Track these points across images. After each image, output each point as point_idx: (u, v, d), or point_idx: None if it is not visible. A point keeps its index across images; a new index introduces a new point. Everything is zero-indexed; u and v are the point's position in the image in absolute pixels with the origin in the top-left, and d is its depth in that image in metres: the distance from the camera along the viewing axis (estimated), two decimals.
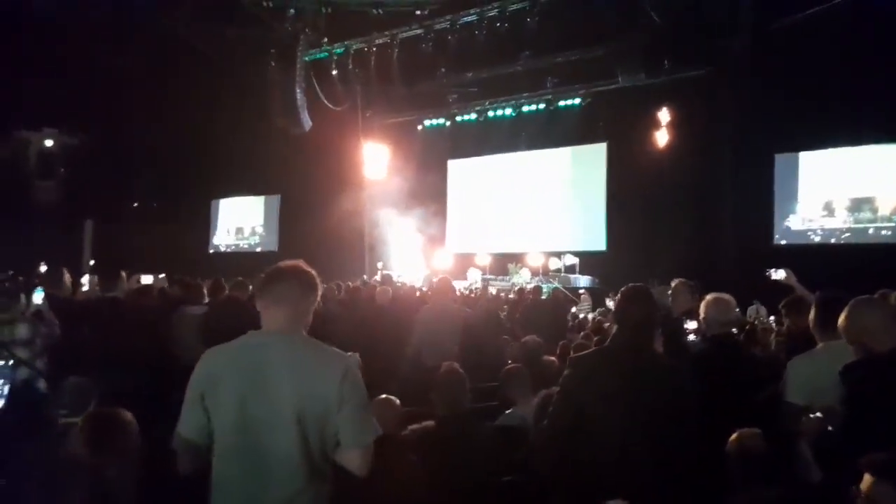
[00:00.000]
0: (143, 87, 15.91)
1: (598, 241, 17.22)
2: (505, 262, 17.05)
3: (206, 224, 24.24)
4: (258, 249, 22.72)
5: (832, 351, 2.64)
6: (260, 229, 23.17)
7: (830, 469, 2.15)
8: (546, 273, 16.15)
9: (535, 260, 16.46)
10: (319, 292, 2.14)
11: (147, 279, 8.12)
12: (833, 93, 12.12)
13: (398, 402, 3.02)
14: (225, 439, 1.95)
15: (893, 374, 2.17)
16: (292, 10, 15.33)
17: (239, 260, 20.73)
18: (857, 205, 13.65)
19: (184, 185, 20.97)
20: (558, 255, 16.62)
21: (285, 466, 1.91)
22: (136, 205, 21.64)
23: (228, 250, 23.66)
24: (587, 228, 17.46)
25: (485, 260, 17.35)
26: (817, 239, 14.02)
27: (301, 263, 2.11)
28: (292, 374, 1.95)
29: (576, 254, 16.63)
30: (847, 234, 13.71)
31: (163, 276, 9.90)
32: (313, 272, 2.11)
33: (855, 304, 2.34)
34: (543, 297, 9.17)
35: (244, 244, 23.52)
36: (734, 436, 2.47)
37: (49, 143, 19.71)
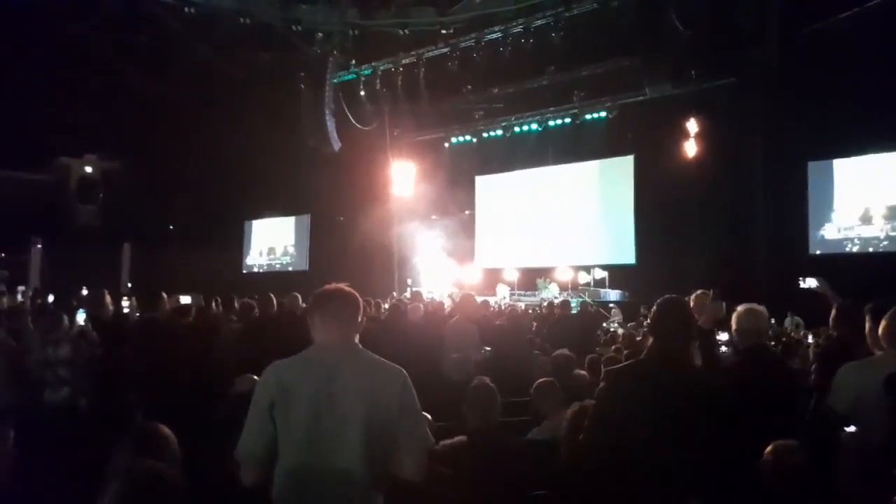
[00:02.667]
0: (178, 112, 16.42)
1: (627, 254, 17.05)
2: (533, 277, 17.00)
3: (239, 245, 24.71)
4: (290, 269, 23.05)
5: (887, 360, 2.60)
6: (291, 249, 23.52)
7: (874, 481, 2.11)
8: (575, 287, 16.05)
9: (564, 274, 16.37)
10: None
11: (185, 300, 8.34)
12: (865, 97, 11.87)
13: (429, 417, 3.06)
14: (292, 452, 2.02)
15: None
16: (320, 34, 15.69)
17: (271, 279, 21.06)
18: (895, 212, 13.29)
19: (218, 207, 21.46)
20: (587, 269, 16.52)
21: (350, 478, 1.99)
22: (172, 227, 22.20)
23: (261, 270, 24.06)
24: (616, 242, 17.31)
25: (513, 275, 17.32)
26: (855, 248, 13.65)
27: (345, 286, 2.27)
28: (360, 384, 2.06)
29: (605, 267, 16.49)
30: (885, 243, 13.34)
31: (200, 296, 10.14)
32: (355, 293, 2.26)
33: None
34: (573, 311, 9.15)
35: (276, 264, 23.89)
36: (770, 448, 2.44)
37: (89, 168, 20.44)
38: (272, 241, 24.23)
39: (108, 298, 5.54)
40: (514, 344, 6.55)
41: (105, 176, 20.56)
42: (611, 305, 13.93)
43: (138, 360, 4.74)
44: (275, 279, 21.09)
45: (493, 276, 17.52)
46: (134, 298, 5.89)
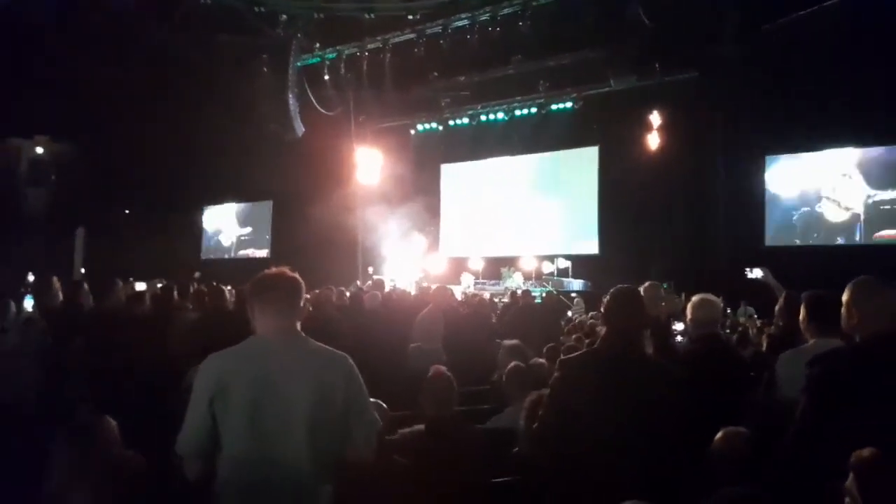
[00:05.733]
0: (134, 94, 15.90)
1: (590, 244, 17.28)
2: (498, 266, 17.08)
3: (198, 231, 24.19)
4: (250, 256, 22.70)
5: (819, 348, 2.67)
6: (252, 235, 23.16)
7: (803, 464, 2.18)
8: (539, 277, 16.19)
9: (529, 264, 16.50)
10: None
11: (141, 286, 8.12)
12: (820, 95, 12.23)
13: (385, 406, 3.05)
14: (235, 444, 1.98)
15: (863, 363, 2.18)
16: (284, 16, 15.36)
17: (231, 266, 20.69)
18: (841, 206, 13.76)
19: (176, 192, 20.94)
20: (551, 258, 16.67)
21: (296, 466, 1.97)
22: (127, 212, 21.59)
23: (221, 257, 23.62)
24: (580, 232, 17.52)
25: (478, 264, 17.37)
26: (811, 241, 14.11)
27: (287, 270, 2.17)
28: (303, 374, 2.02)
29: (568, 257, 16.68)
30: (837, 236, 13.83)
31: (159, 283, 9.91)
32: (299, 278, 2.16)
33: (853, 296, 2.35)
34: (536, 300, 9.22)
35: (236, 251, 23.49)
36: (719, 434, 2.50)
37: (40, 150, 19.67)
38: (232, 227, 23.81)
39: (57, 285, 5.35)
40: (476, 333, 6.59)
41: (57, 158, 19.82)
42: (573, 295, 14.10)
43: (89, 350, 4.59)
44: (235, 266, 20.74)
45: (457, 265, 17.55)
46: (85, 285, 5.68)
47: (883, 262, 11.84)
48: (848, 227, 13.70)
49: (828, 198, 13.93)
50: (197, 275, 10.23)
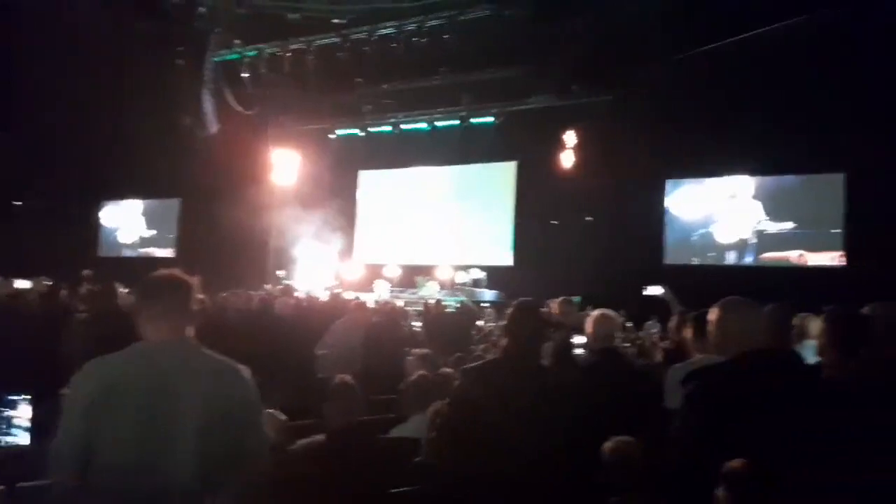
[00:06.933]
0: (34, 79, 14.81)
1: (505, 256, 17.66)
2: (414, 275, 17.10)
3: (96, 226, 22.75)
4: (153, 255, 21.56)
5: (703, 363, 2.86)
6: (156, 234, 22.03)
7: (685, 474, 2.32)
8: (453, 286, 16.35)
9: (444, 273, 16.63)
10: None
11: (25, 284, 7.53)
12: (722, 124, 13.14)
13: (283, 416, 2.99)
14: (116, 454, 1.87)
15: (730, 378, 2.36)
16: (202, 9, 14.81)
17: (131, 265, 19.57)
18: (732, 230, 14.83)
19: (76, 184, 19.59)
20: (466, 268, 16.88)
21: (183, 479, 1.88)
22: (20, 204, 20.00)
23: (120, 255, 22.31)
24: (495, 244, 17.86)
25: (394, 272, 17.33)
26: (708, 261, 15.06)
27: (178, 272, 2.08)
28: (194, 383, 1.93)
29: (483, 268, 16.95)
30: (729, 257, 14.87)
31: (46, 282, 9.22)
32: (191, 280, 2.07)
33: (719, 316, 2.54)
34: (450, 310, 9.32)
35: (139, 249, 22.27)
36: (609, 443, 2.61)
37: None
38: (135, 224, 22.54)
39: None
40: (388, 341, 6.58)
41: None
42: (485, 305, 14.33)
43: None
44: (136, 265, 19.63)
45: (373, 272, 17.43)
46: None
47: (770, 281, 12.90)
48: (739, 248, 14.77)
49: (721, 221, 14.97)
50: (85, 272, 9.59)
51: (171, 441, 1.88)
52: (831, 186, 13.66)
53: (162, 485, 1.87)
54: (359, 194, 20.22)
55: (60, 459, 1.89)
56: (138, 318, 2.02)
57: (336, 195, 18.37)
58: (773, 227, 14.39)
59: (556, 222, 15.82)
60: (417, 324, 8.79)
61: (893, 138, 11.38)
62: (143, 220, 22.40)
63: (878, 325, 2.51)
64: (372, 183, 20.32)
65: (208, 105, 15.76)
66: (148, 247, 22.06)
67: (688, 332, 3.16)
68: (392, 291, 16.23)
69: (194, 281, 2.09)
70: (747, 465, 1.93)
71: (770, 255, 14.35)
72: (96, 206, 22.69)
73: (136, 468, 1.87)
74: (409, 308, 11.49)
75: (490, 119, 17.46)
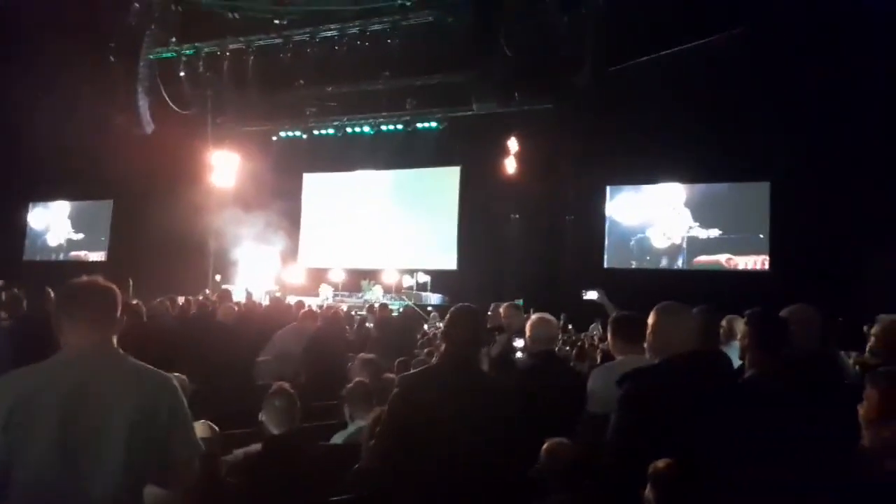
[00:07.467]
0: None
1: (449, 260, 17.75)
2: (359, 279, 16.98)
3: (21, 229, 21.58)
4: (83, 258, 20.62)
5: (626, 364, 2.96)
6: (87, 237, 21.07)
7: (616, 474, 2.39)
8: (399, 290, 16.32)
9: (390, 277, 16.57)
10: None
11: None
12: (656, 133, 13.63)
13: (216, 427, 2.92)
14: (36, 471, 1.79)
15: (663, 380, 2.46)
16: (137, 4, 14.30)
17: (59, 270, 18.64)
18: (665, 235, 15.42)
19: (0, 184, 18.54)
20: (411, 272, 16.88)
21: (109, 493, 1.81)
22: None
23: (47, 259, 21.23)
24: (439, 248, 17.93)
25: (338, 276, 17.16)
26: (644, 265, 15.58)
27: (100, 279, 2.02)
28: (119, 393, 1.87)
29: (428, 272, 16.99)
30: (663, 261, 15.43)
31: None
32: (114, 287, 2.02)
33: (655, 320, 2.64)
34: (394, 314, 9.27)
35: (67, 253, 21.25)
36: (545, 445, 2.66)
37: None
38: (63, 226, 21.50)
39: None
40: (330, 346, 6.49)
41: None
42: (430, 309, 14.36)
43: None
44: (64, 270, 18.71)
45: (317, 276, 17.20)
46: None
47: (701, 284, 13.46)
48: (672, 252, 15.35)
49: (656, 227, 15.52)
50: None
51: (95, 454, 1.82)
52: (757, 193, 14.37)
53: (87, 500, 1.80)
54: (303, 197, 19.93)
55: None
56: (59, 326, 1.94)
57: (279, 197, 18.03)
58: (704, 233, 15.04)
59: (498, 227, 16.02)
60: (369, 325, 8.72)
61: (817, 148, 12.11)
62: (72, 221, 21.41)
63: (793, 325, 2.67)
64: (316, 186, 20.07)
65: (143, 104, 15.22)
66: (78, 250, 21.11)
67: (609, 335, 3.28)
68: (336, 295, 16.07)
69: (116, 288, 2.03)
70: (672, 465, 2.01)
71: (702, 259, 14.98)
72: (23, 208, 21.54)
73: (59, 484, 1.79)
74: (353, 312, 11.41)
75: (434, 124, 17.53)
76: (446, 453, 2.45)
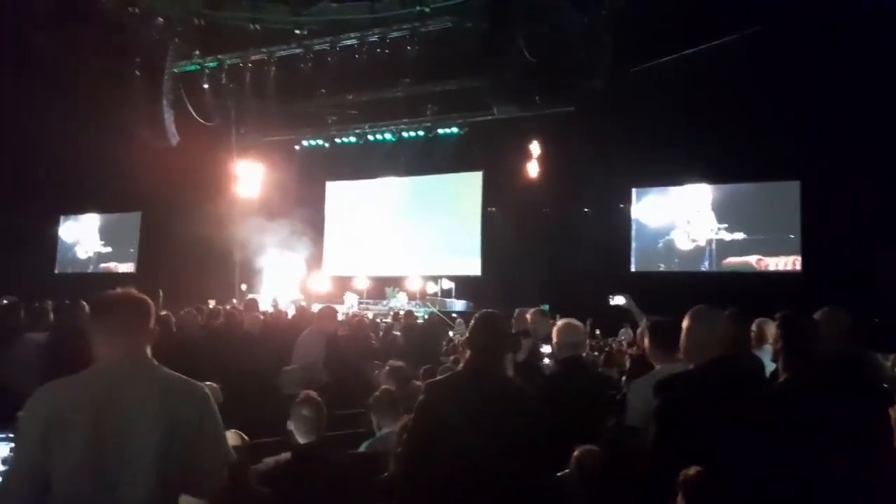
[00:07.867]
0: None
1: (473, 266, 17.71)
2: (383, 286, 17.04)
3: (53, 242, 22.09)
4: (112, 270, 21.03)
5: (664, 373, 2.90)
6: (116, 249, 21.49)
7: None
8: (423, 297, 16.33)
9: (414, 284, 16.60)
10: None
11: None
12: (680, 134, 13.46)
13: (245, 436, 2.93)
14: (72, 482, 1.81)
15: (697, 387, 2.41)
16: (160, 19, 14.56)
17: (91, 282, 19.04)
18: (690, 237, 15.18)
19: (32, 199, 18.98)
20: (436, 279, 16.88)
21: (141, 499, 1.83)
22: None
23: (79, 271, 21.69)
24: (463, 254, 17.91)
25: (363, 283, 17.23)
26: (672, 267, 15.36)
27: (133, 290, 2.04)
28: (150, 404, 1.89)
29: (452, 278, 16.97)
30: (692, 264, 15.19)
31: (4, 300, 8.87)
32: (146, 298, 2.04)
33: (689, 325, 2.59)
34: (419, 321, 9.28)
35: (97, 265, 21.70)
36: (575, 453, 2.62)
37: None
38: (94, 239, 21.96)
39: None
40: (355, 354, 6.50)
41: None
42: (455, 315, 14.34)
43: None
44: (95, 282, 19.10)
45: (342, 284, 17.30)
46: None
47: (732, 286, 13.22)
48: (700, 254, 15.11)
49: (684, 229, 15.30)
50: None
51: (128, 463, 1.84)
52: (787, 193, 14.10)
53: None
54: (327, 205, 20.08)
55: (13, 487, 1.82)
56: (92, 338, 1.97)
57: (303, 206, 18.20)
58: (732, 234, 14.78)
59: (521, 232, 15.93)
60: (396, 333, 8.72)
61: (848, 145, 11.83)
62: (102, 234, 21.86)
63: (823, 328, 2.60)
64: (339, 194, 20.23)
65: (168, 116, 15.48)
66: (108, 262, 21.54)
67: (646, 343, 3.20)
68: (361, 303, 16.14)
69: (149, 300, 2.05)
70: (702, 473, 1.97)
71: (732, 261, 14.72)
72: (55, 222, 22.07)
73: (93, 496, 1.81)
74: (378, 319, 11.43)
75: (455, 129, 17.56)
76: (469, 460, 2.43)
